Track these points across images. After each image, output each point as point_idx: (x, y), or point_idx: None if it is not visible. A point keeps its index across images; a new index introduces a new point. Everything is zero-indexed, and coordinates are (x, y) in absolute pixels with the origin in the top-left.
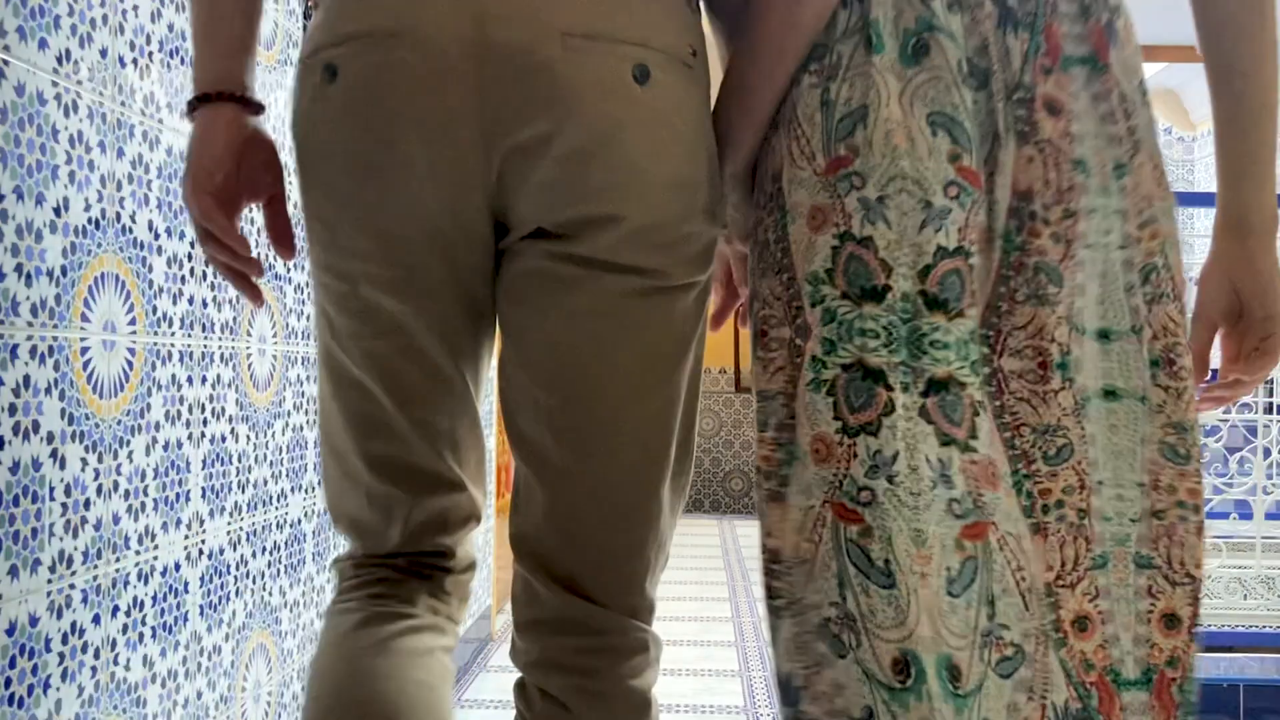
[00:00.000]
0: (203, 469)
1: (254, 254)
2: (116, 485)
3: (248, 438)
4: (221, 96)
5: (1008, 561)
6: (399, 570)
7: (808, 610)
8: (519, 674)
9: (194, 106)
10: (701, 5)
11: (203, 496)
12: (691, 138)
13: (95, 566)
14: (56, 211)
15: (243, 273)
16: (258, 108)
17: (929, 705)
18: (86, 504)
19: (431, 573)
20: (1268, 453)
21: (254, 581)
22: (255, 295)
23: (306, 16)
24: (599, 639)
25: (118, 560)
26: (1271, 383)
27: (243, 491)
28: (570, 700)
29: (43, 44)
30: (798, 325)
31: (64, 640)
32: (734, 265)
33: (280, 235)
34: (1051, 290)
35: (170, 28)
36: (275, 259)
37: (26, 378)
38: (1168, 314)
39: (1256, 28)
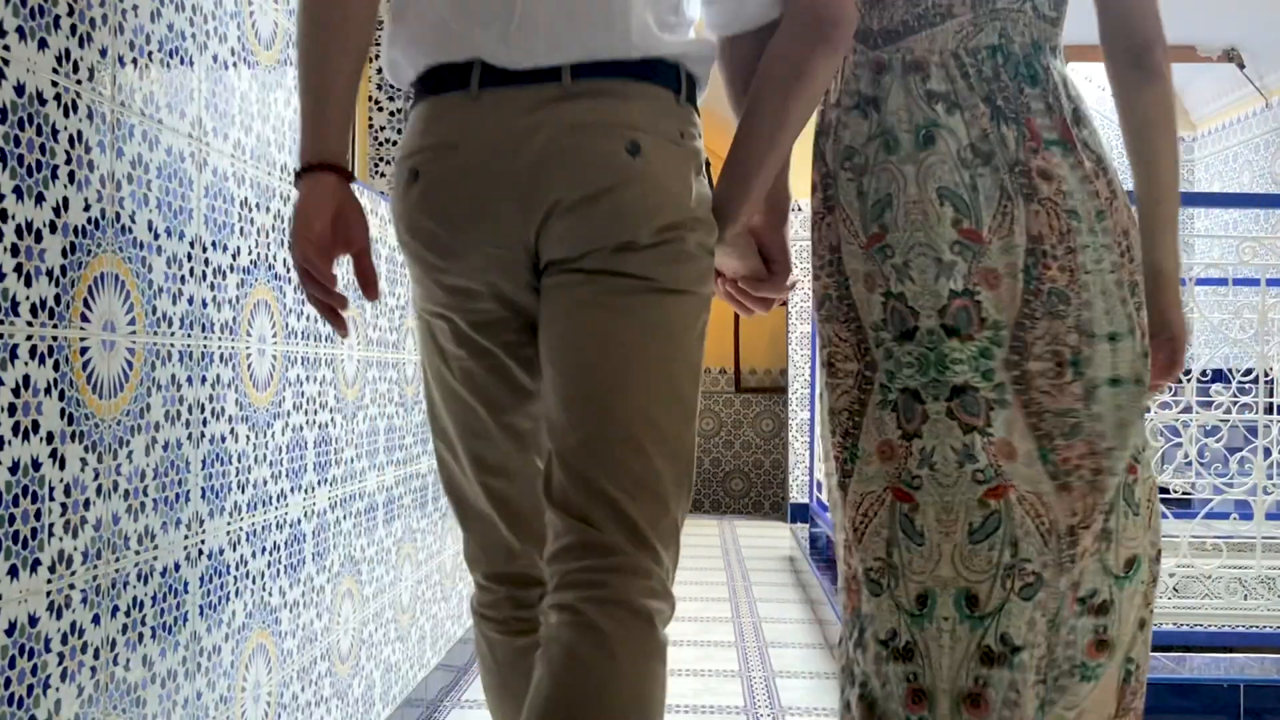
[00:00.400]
0: (202, 469)
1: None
2: (116, 485)
3: (247, 438)
4: (325, 168)
5: (1026, 511)
6: (521, 592)
7: (854, 564)
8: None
9: (301, 173)
10: (698, 97)
11: (202, 496)
12: (679, 192)
13: (95, 566)
14: (56, 211)
15: (331, 306)
16: (350, 177)
17: (936, 627)
18: (86, 504)
19: (537, 574)
20: (1268, 453)
21: (254, 582)
22: (341, 326)
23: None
24: (608, 559)
25: (117, 560)
26: (1272, 383)
27: (242, 491)
28: (583, 606)
29: (43, 44)
30: (867, 361)
31: (64, 640)
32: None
33: (365, 279)
34: (1062, 308)
35: (170, 27)
36: (275, 258)
37: (26, 378)
38: (1145, 318)
39: (1174, 154)
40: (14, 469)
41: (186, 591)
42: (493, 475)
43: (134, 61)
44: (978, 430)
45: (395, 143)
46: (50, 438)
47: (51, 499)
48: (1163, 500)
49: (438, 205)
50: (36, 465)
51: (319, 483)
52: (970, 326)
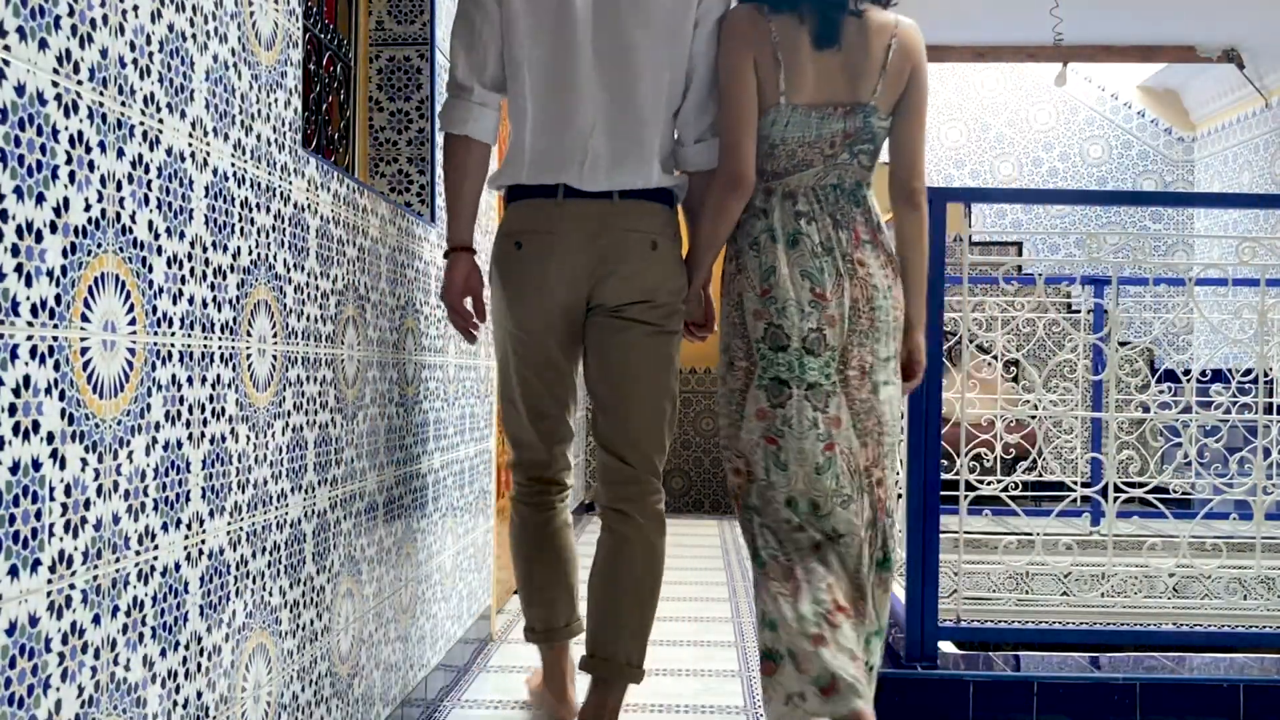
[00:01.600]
0: (203, 469)
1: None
2: (116, 485)
3: (248, 438)
4: (462, 249)
5: (844, 460)
6: (546, 487)
7: (743, 480)
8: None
9: (447, 252)
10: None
11: (203, 496)
12: (676, 271)
13: (95, 566)
14: (56, 211)
15: (466, 330)
16: (474, 252)
17: (800, 519)
18: (86, 504)
19: (559, 488)
20: (1268, 453)
21: (254, 581)
22: (472, 340)
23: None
24: (641, 485)
25: (118, 560)
26: (1271, 383)
27: (243, 491)
28: (630, 510)
29: (43, 44)
30: (750, 360)
31: (64, 640)
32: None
33: (479, 314)
34: (865, 341)
35: (170, 28)
36: (275, 258)
37: (26, 378)
38: (904, 349)
39: (924, 253)
40: (14, 469)
41: (186, 591)
42: (547, 432)
43: (134, 62)
44: (820, 410)
45: (395, 143)
46: (50, 438)
47: (51, 499)
48: (1163, 500)
49: (535, 265)
50: (36, 465)
51: (319, 483)
52: (819, 348)
